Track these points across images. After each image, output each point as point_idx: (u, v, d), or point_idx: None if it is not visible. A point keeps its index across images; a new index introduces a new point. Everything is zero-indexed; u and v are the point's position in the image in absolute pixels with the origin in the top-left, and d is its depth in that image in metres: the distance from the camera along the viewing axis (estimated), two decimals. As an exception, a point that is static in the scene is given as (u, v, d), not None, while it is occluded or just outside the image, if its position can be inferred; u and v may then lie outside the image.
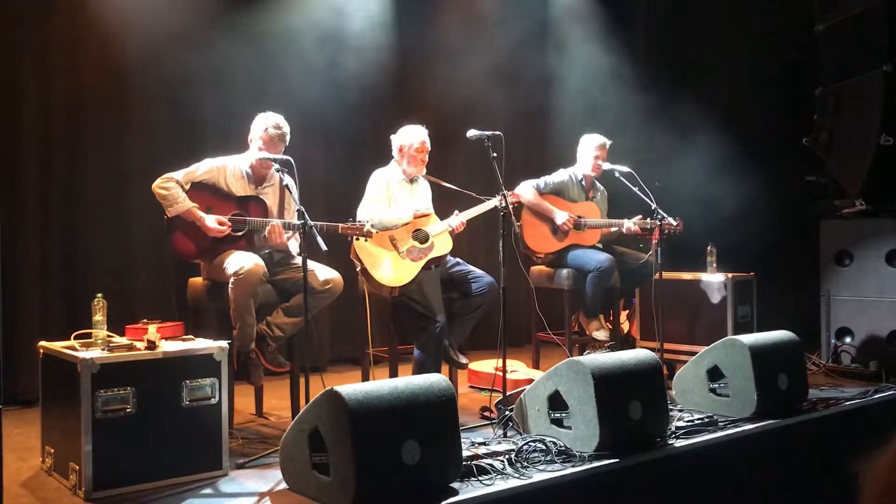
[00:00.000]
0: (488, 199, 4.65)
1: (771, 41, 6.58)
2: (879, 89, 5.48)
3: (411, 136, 4.73)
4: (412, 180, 4.82)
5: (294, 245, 4.37)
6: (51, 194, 4.98)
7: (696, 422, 4.02)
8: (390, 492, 2.92)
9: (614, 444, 3.51)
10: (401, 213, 4.64)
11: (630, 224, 5.42)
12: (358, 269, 4.55)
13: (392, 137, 4.80)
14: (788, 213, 6.89)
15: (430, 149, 4.77)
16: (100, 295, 3.44)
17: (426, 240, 4.63)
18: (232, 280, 3.97)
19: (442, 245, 4.66)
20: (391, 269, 4.49)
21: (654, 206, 4.91)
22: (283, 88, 5.52)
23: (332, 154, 6.11)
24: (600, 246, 5.52)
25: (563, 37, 7.17)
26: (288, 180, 4.01)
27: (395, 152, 4.79)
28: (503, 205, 4.16)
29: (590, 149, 5.50)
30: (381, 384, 3.07)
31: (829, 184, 6.09)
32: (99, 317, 3.41)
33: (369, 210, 4.61)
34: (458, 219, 4.69)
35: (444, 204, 4.90)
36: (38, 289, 4.88)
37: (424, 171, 4.82)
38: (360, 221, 4.25)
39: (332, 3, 5.87)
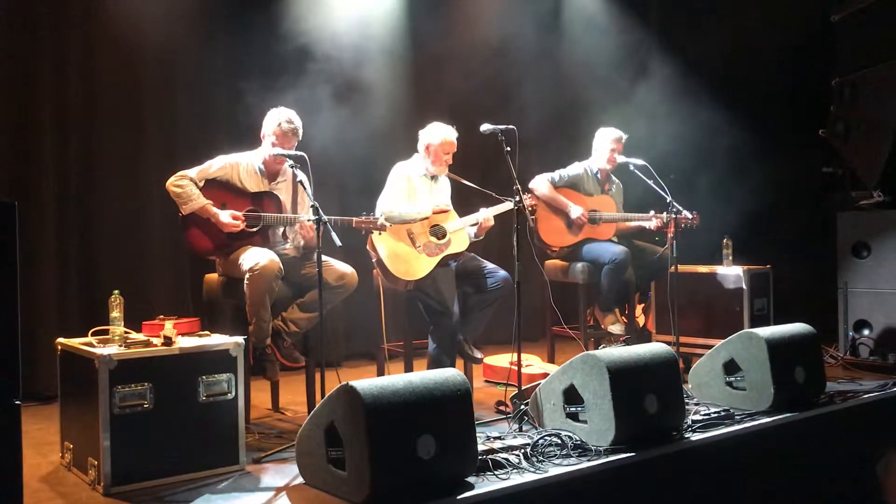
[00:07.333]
0: (507, 200, 4.60)
1: (787, 32, 6.52)
2: (897, 79, 5.45)
3: (438, 135, 4.66)
4: (433, 177, 4.79)
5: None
6: (67, 192, 5.00)
7: (713, 415, 4.00)
8: (406, 486, 2.92)
9: (630, 438, 3.50)
10: (420, 208, 4.63)
11: (656, 221, 5.37)
12: (374, 261, 4.56)
13: (420, 132, 4.75)
14: (805, 205, 6.84)
15: (455, 150, 4.71)
16: (117, 292, 3.46)
17: (443, 236, 4.62)
18: (247, 276, 3.99)
19: (459, 242, 4.65)
20: (407, 262, 4.49)
21: (669, 199, 4.88)
22: (295, 84, 5.52)
23: (345, 149, 6.10)
24: (615, 240, 5.50)
25: (575, 26, 7.13)
26: (301, 176, 4.01)
27: (420, 147, 4.76)
28: (517, 199, 4.15)
29: (606, 142, 5.48)
30: (396, 379, 3.07)
31: (846, 175, 6.06)
32: (116, 313, 3.43)
33: (389, 203, 4.59)
34: (476, 217, 4.65)
35: (463, 201, 4.89)
36: (55, 286, 4.91)
37: (447, 170, 4.79)
38: (373, 215, 4.25)
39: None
